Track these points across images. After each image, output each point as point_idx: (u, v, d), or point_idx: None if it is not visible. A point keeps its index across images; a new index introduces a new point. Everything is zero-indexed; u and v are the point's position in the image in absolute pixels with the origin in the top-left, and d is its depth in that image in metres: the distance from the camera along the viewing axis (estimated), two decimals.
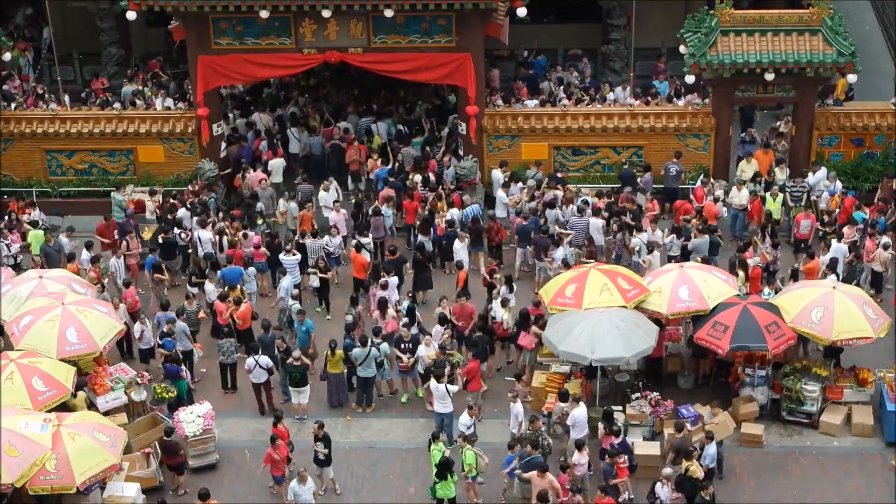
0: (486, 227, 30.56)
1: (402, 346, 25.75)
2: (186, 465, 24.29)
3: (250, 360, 25.57)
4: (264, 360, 25.49)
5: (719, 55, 30.95)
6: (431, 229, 30.37)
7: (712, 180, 31.47)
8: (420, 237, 30.14)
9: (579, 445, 22.81)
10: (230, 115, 35.55)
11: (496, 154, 32.91)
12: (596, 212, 29.98)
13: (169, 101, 35.43)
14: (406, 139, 34.00)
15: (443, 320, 26.37)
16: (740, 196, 30.57)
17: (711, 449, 22.99)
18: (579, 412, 23.74)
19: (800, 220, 29.71)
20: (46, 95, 36.05)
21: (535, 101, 34.70)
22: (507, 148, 32.95)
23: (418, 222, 30.70)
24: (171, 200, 31.75)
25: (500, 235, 30.47)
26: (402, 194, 31.45)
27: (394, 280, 28.01)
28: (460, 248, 29.24)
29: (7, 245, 30.05)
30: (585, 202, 30.29)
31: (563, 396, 24.25)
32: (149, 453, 24.09)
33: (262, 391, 25.83)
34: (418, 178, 32.03)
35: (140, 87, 37.21)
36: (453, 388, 24.49)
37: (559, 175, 31.99)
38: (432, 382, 24.58)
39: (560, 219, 30.26)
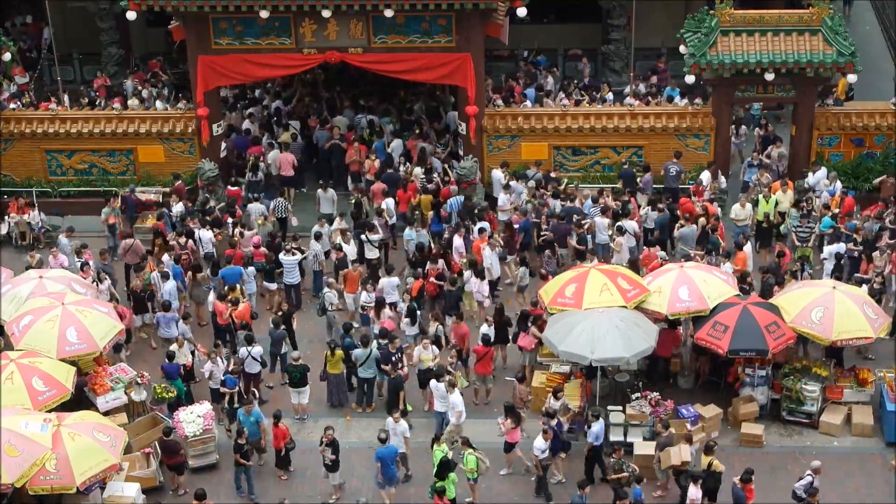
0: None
1: (393, 358, 25.42)
2: (186, 465, 24.29)
3: (243, 351, 25.80)
4: (257, 350, 25.73)
5: (719, 55, 30.95)
6: (430, 223, 30.44)
7: (719, 179, 31.42)
8: (417, 232, 29.93)
9: (695, 479, 22.13)
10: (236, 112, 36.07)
11: (496, 154, 32.91)
12: (604, 210, 29.99)
13: (160, 103, 35.55)
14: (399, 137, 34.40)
15: (438, 342, 26.15)
16: (744, 212, 29.94)
17: (596, 427, 23.23)
18: (455, 397, 24.06)
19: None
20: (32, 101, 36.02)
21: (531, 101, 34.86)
22: (507, 148, 32.95)
23: (412, 217, 30.76)
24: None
25: (488, 218, 30.40)
26: (396, 186, 31.77)
27: (394, 280, 28.02)
28: (490, 255, 28.75)
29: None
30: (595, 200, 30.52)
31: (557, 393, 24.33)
32: (149, 453, 24.09)
33: (251, 383, 25.94)
34: (418, 170, 32.22)
35: (139, 88, 37.26)
36: (442, 387, 24.55)
37: (552, 175, 31.93)
38: (432, 382, 24.61)
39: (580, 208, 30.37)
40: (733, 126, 33.14)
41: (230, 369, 25.32)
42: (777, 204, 30.11)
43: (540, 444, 23.04)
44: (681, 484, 22.92)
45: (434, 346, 25.60)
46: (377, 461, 22.97)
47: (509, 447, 23.77)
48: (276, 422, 23.93)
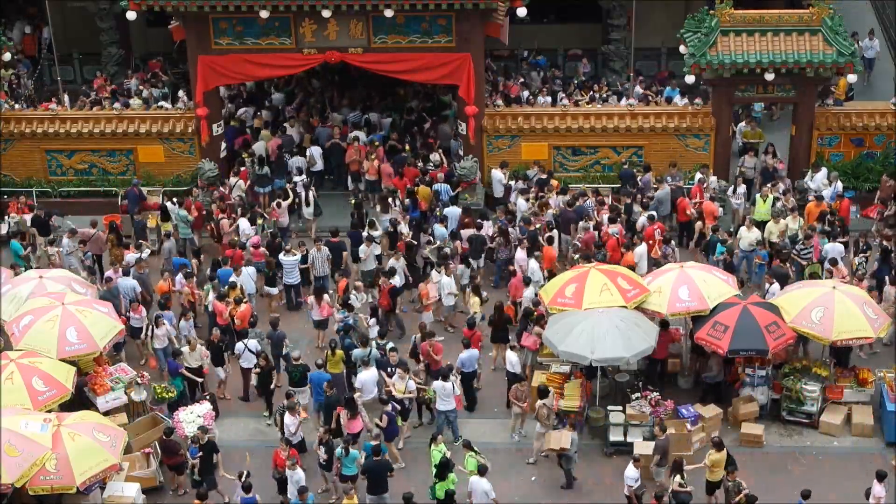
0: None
1: (388, 370, 25.08)
2: (186, 465, 24.25)
3: (239, 345, 25.97)
4: (253, 343, 25.88)
5: (719, 55, 30.95)
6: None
7: (709, 178, 31.36)
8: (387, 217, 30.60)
9: (880, 476, 21.84)
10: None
11: (496, 154, 32.91)
12: (612, 208, 30.10)
13: (162, 102, 35.56)
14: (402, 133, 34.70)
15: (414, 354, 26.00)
16: (749, 236, 28.95)
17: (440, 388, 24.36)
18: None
19: None
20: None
21: (548, 99, 35.01)
22: (507, 148, 32.95)
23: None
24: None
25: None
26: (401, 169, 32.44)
27: (397, 281, 28.01)
28: (523, 259, 28.30)
29: (132, 319, 27.55)
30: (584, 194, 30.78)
31: (543, 393, 24.17)
32: (149, 453, 24.08)
33: (249, 376, 26.00)
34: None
35: (140, 87, 37.26)
36: (457, 392, 24.64)
37: (543, 178, 31.85)
38: (437, 382, 24.59)
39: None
40: (732, 185, 31.46)
41: (191, 438, 23.58)
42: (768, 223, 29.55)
43: (632, 472, 22.45)
44: (563, 467, 23.44)
45: (411, 381, 24.83)
46: (308, 383, 24.95)
47: (354, 438, 23.83)
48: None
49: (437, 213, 30.75)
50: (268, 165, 33.02)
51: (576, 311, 24.94)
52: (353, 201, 31.94)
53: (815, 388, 24.88)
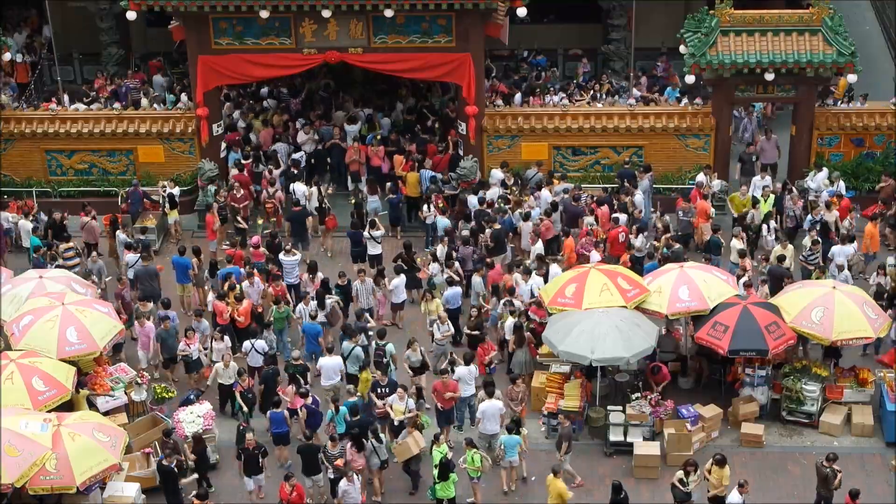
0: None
1: (378, 391, 24.60)
2: (186, 465, 24.27)
3: (247, 344, 25.98)
4: (260, 344, 25.91)
5: (719, 55, 30.95)
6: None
7: (709, 179, 31.35)
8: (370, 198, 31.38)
9: (853, 494, 21.64)
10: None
11: (496, 154, 32.91)
12: (622, 207, 30.22)
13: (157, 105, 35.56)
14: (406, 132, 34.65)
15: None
16: (740, 246, 28.54)
17: None
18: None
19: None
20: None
21: (560, 97, 35.04)
22: (507, 148, 32.96)
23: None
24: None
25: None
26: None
27: (401, 280, 28.08)
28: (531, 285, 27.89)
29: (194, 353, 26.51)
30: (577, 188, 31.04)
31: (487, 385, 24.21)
32: (149, 453, 24.10)
33: (255, 375, 25.95)
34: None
35: (140, 88, 37.23)
36: (474, 371, 24.96)
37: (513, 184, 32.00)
38: (461, 367, 24.60)
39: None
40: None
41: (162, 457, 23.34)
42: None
43: (737, 499, 21.76)
44: (411, 469, 23.46)
45: (410, 400, 24.29)
46: (302, 333, 26.41)
47: (293, 412, 24.32)
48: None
49: (440, 205, 30.82)
50: (262, 158, 33.24)
51: (576, 311, 24.95)
52: (353, 201, 31.93)
53: (815, 388, 24.89)
